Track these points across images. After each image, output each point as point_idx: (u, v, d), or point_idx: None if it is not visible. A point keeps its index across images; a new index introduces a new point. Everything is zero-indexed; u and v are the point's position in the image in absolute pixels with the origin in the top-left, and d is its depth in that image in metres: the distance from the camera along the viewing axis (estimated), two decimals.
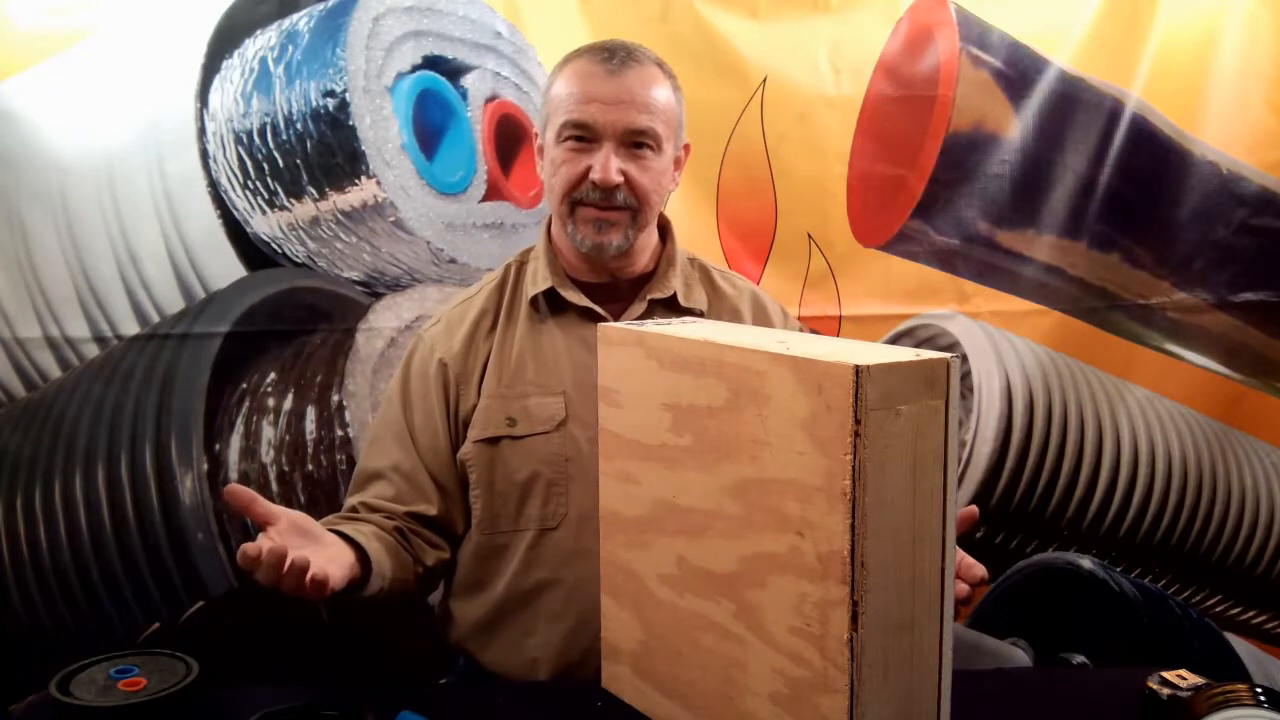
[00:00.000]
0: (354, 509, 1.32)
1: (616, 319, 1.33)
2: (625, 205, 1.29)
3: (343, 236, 1.96)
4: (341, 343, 1.96)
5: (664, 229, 1.42)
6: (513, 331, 1.35)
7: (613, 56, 1.29)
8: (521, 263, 1.41)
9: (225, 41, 1.93)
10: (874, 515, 0.84)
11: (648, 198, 1.30)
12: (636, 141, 1.28)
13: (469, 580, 1.36)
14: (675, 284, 1.36)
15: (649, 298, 1.35)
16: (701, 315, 1.37)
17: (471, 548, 1.34)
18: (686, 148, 1.39)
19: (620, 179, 1.27)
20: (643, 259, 1.38)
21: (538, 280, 1.35)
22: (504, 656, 1.33)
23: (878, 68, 2.01)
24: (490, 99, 1.98)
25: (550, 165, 1.32)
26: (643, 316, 1.33)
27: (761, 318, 1.40)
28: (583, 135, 1.28)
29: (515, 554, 1.31)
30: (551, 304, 1.35)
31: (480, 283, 1.42)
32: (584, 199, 1.29)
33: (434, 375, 1.34)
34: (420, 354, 1.38)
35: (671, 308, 1.36)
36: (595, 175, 1.27)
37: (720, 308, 1.39)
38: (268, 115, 1.93)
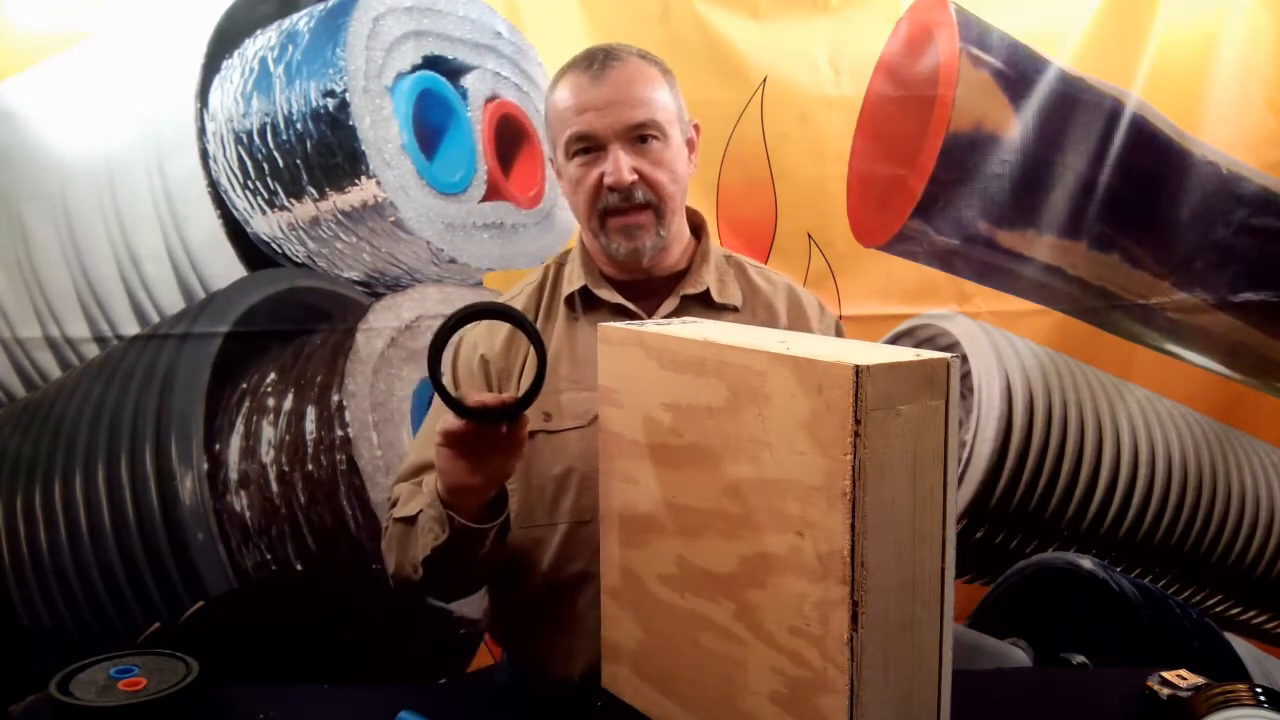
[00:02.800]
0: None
1: (650, 315, 1.34)
2: (646, 203, 1.30)
3: (343, 236, 1.96)
4: (341, 343, 1.96)
5: (699, 226, 1.43)
6: (550, 330, 1.37)
7: (593, 62, 1.30)
8: (560, 264, 1.42)
9: (225, 41, 1.93)
10: (874, 515, 0.84)
11: (664, 189, 1.31)
12: (640, 135, 1.29)
13: (505, 575, 1.36)
14: (709, 280, 1.36)
15: (682, 293, 1.36)
16: (736, 311, 1.37)
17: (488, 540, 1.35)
18: (696, 127, 1.40)
19: (633, 176, 1.28)
20: (674, 254, 1.38)
21: (572, 279, 1.37)
22: (541, 652, 1.34)
23: (878, 68, 2.01)
24: (490, 99, 1.98)
25: (569, 185, 1.34)
26: (676, 312, 1.34)
27: (797, 312, 1.40)
28: (588, 145, 1.30)
29: (550, 548, 1.32)
30: (586, 302, 1.36)
31: (521, 283, 1.44)
32: (607, 208, 1.30)
33: (477, 371, 1.36)
34: (464, 352, 1.40)
35: (705, 304, 1.36)
36: (609, 179, 1.28)
37: (755, 303, 1.39)
38: (268, 115, 1.93)
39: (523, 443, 1.14)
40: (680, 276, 1.38)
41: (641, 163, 1.29)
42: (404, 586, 1.29)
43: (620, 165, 1.27)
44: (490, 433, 1.11)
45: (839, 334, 1.43)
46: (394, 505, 1.33)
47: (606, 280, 1.37)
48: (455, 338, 1.40)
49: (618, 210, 1.30)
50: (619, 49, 1.33)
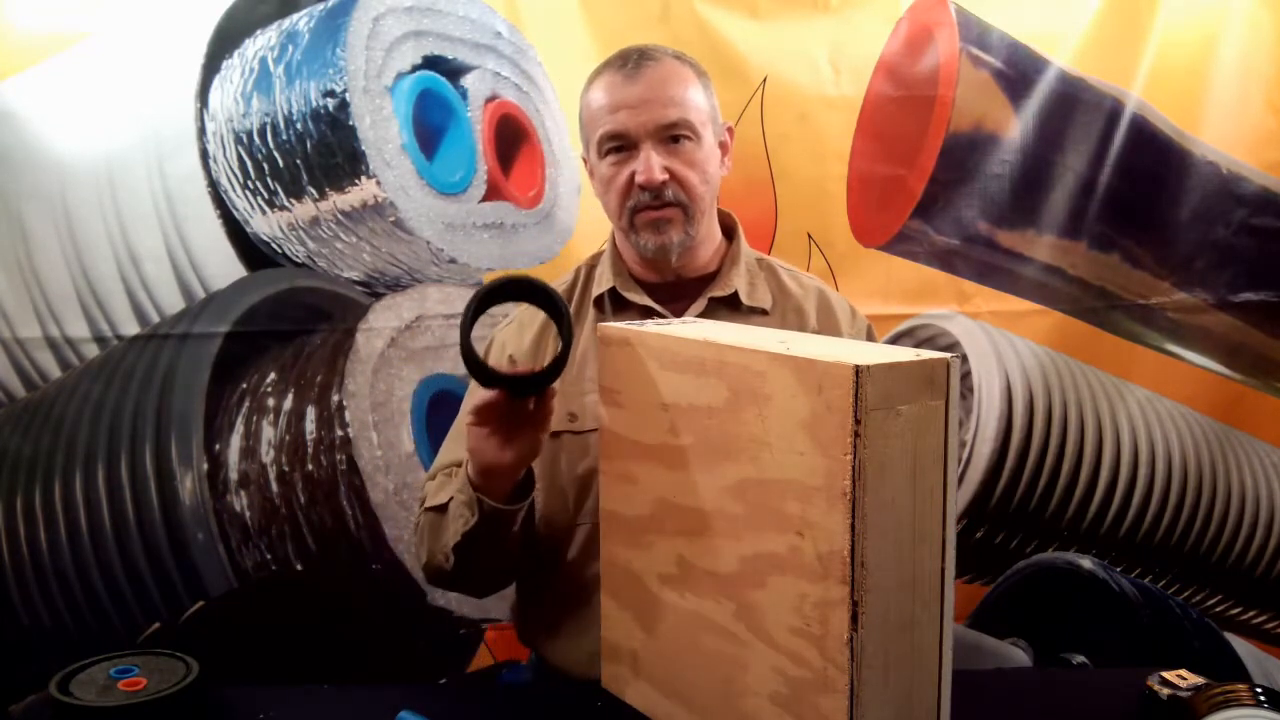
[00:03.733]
0: None
1: (678, 318, 1.33)
2: (675, 202, 1.31)
3: (343, 236, 1.96)
4: (341, 343, 1.96)
5: (730, 228, 1.42)
6: (580, 331, 1.37)
7: (627, 61, 1.31)
8: (591, 265, 1.43)
9: (225, 41, 1.93)
10: (874, 515, 0.84)
11: (694, 189, 1.31)
12: (673, 135, 1.30)
13: (529, 575, 1.37)
14: (738, 283, 1.36)
15: (710, 296, 1.36)
16: (765, 314, 1.37)
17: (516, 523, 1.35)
18: (730, 130, 1.40)
19: (664, 176, 1.29)
20: (704, 256, 1.38)
21: (602, 281, 1.38)
22: (564, 652, 1.34)
23: (878, 68, 2.01)
24: (490, 99, 1.98)
25: (601, 184, 1.35)
26: (703, 315, 1.34)
27: (826, 315, 1.40)
28: (620, 144, 1.30)
29: (573, 548, 1.33)
30: (615, 304, 1.37)
31: (554, 283, 1.44)
32: (638, 206, 1.31)
33: (505, 369, 1.36)
34: (494, 351, 1.41)
35: (733, 307, 1.36)
36: (640, 177, 1.29)
37: (785, 306, 1.39)
38: (268, 115, 1.93)
39: (549, 416, 1.16)
40: (710, 279, 1.38)
41: (673, 162, 1.29)
42: (436, 577, 1.31)
43: (651, 164, 1.28)
44: (519, 407, 1.12)
45: (870, 338, 1.43)
46: (424, 500, 1.34)
47: (636, 282, 1.37)
48: (486, 336, 1.41)
49: (648, 208, 1.30)
50: (654, 49, 1.33)
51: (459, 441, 1.36)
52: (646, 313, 1.34)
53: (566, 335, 1.11)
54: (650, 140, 1.29)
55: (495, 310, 1.18)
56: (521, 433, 1.15)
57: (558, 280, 1.44)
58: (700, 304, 1.35)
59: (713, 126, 1.34)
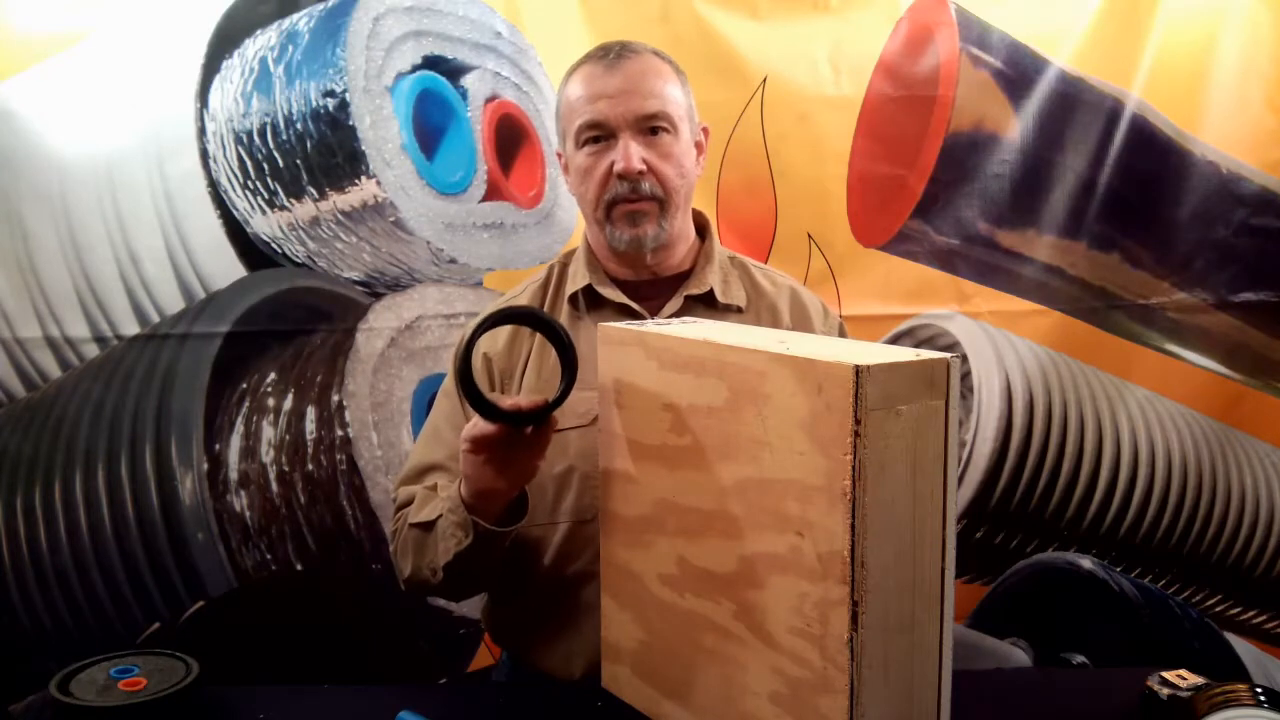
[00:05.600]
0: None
1: (654, 315, 1.34)
2: (652, 195, 1.31)
3: (343, 236, 1.96)
4: (341, 343, 1.96)
5: (703, 227, 1.43)
6: None
7: (608, 53, 1.32)
8: (564, 264, 1.43)
9: (225, 41, 1.93)
10: (874, 515, 0.84)
11: (670, 183, 1.31)
12: (651, 127, 1.30)
13: (506, 574, 1.36)
14: (712, 280, 1.37)
15: (685, 294, 1.36)
16: (740, 311, 1.37)
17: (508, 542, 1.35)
18: (705, 130, 1.40)
19: (642, 165, 1.29)
20: (679, 254, 1.38)
21: (577, 278, 1.37)
22: (542, 652, 1.34)
23: (878, 68, 2.01)
24: (490, 99, 1.98)
25: (577, 174, 1.34)
26: (679, 313, 1.34)
27: (800, 314, 1.40)
28: (599, 134, 1.30)
29: (550, 547, 1.32)
30: (590, 301, 1.37)
31: (525, 282, 1.45)
32: (615, 197, 1.31)
33: (480, 370, 1.37)
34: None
35: (709, 304, 1.36)
36: (618, 166, 1.29)
37: (759, 305, 1.40)
38: (268, 115, 1.93)
39: (547, 444, 1.15)
40: (684, 277, 1.38)
41: (650, 154, 1.29)
42: (419, 589, 1.29)
43: (630, 153, 1.28)
44: (516, 436, 1.11)
45: (842, 335, 1.43)
46: (401, 508, 1.33)
47: (611, 280, 1.37)
48: (458, 338, 1.40)
49: (624, 199, 1.30)
50: (633, 44, 1.34)
51: (435, 441, 1.36)
52: (622, 309, 1.34)
53: (571, 370, 1.10)
54: (629, 130, 1.29)
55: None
56: (518, 459, 1.14)
57: (529, 279, 1.44)
58: (676, 301, 1.35)
59: (689, 124, 1.35)
